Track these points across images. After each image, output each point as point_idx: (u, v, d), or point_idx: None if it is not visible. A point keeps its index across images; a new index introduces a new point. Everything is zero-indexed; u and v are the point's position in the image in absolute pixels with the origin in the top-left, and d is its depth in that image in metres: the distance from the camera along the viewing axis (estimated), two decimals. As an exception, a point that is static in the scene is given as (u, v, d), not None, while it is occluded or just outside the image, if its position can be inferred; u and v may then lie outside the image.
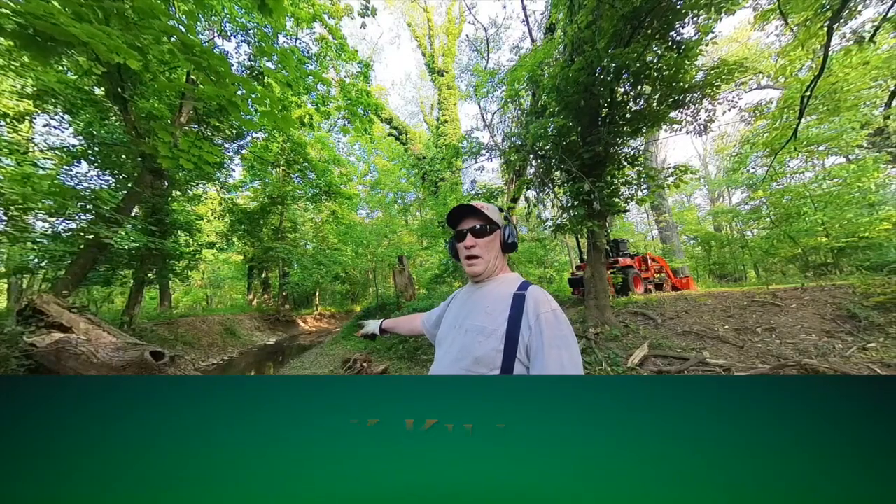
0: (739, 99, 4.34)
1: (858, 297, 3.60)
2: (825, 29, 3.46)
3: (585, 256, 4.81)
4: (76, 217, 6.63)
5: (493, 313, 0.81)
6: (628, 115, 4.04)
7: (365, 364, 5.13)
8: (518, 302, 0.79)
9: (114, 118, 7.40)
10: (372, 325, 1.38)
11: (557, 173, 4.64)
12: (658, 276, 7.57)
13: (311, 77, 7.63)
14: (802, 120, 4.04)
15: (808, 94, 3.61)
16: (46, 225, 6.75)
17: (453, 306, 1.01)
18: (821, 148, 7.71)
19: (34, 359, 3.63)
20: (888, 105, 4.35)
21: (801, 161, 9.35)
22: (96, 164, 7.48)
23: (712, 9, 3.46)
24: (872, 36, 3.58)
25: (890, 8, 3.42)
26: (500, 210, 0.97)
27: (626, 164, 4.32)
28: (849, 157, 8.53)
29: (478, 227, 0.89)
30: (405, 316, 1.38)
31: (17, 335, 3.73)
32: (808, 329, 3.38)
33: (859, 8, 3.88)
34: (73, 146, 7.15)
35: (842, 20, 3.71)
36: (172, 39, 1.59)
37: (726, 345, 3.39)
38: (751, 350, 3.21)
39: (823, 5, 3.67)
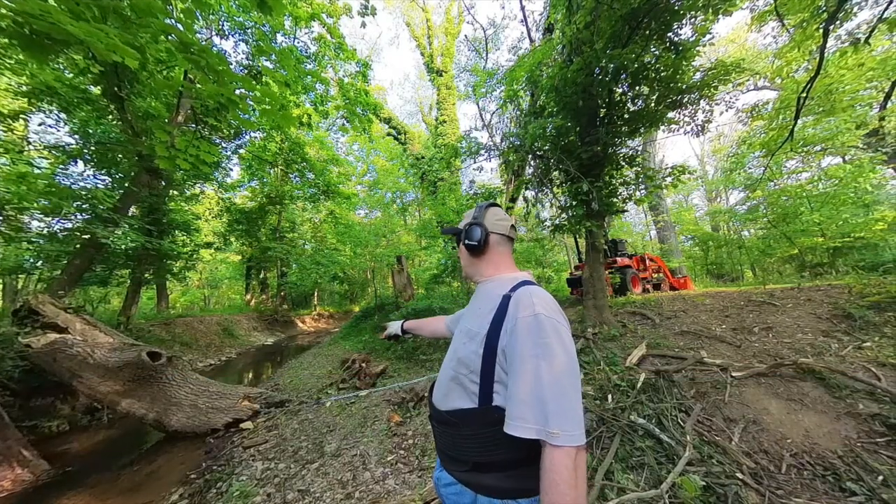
0: (736, 100, 4.36)
1: (854, 296, 3.63)
2: (821, 30, 3.48)
3: (584, 256, 4.82)
4: (72, 217, 6.58)
5: (481, 315, 0.79)
6: (626, 116, 4.05)
7: (364, 364, 5.12)
8: (504, 303, 0.75)
9: (110, 117, 7.35)
10: (394, 326, 1.41)
11: (556, 173, 4.65)
12: (656, 275, 7.60)
13: (309, 76, 7.62)
14: (799, 121, 4.06)
15: (804, 94, 3.63)
16: (42, 224, 6.70)
17: (466, 308, 1.04)
18: (817, 148, 7.76)
19: (30, 360, 3.60)
20: (883, 106, 4.39)
21: (797, 162, 9.42)
22: (92, 164, 7.43)
23: (710, 10, 3.48)
24: (868, 38, 3.61)
25: (885, 10, 3.45)
26: (481, 207, 0.93)
27: (624, 164, 4.33)
28: (844, 157, 8.60)
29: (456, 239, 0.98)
30: (428, 318, 1.37)
31: (12, 336, 3.71)
32: (804, 328, 3.40)
33: (855, 10, 3.91)
34: (69, 145, 7.10)
35: (837, 22, 3.73)
36: (171, 38, 1.59)
37: (723, 344, 3.41)
38: (748, 349, 3.23)
39: (819, 7, 3.70)
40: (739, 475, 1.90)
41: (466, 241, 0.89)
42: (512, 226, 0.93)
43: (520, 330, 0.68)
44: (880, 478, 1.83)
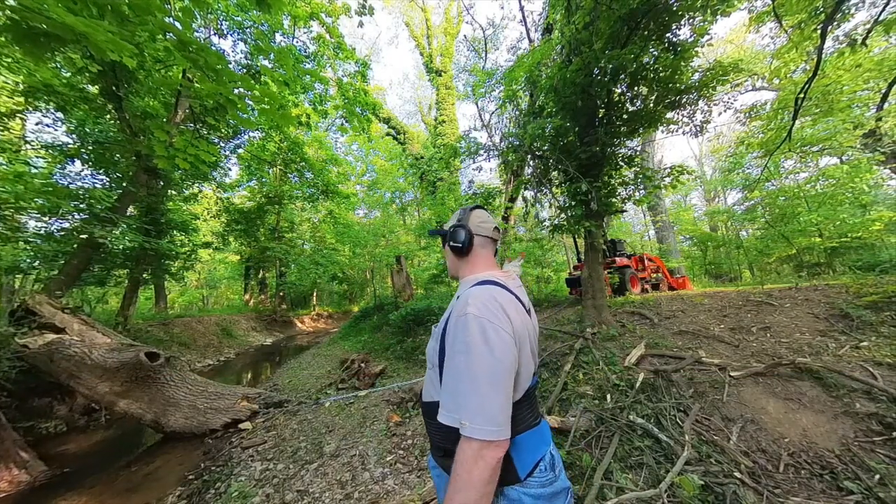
0: (735, 100, 4.37)
1: (851, 296, 3.64)
2: (819, 31, 3.50)
3: (583, 256, 4.83)
4: (70, 216, 6.55)
5: (445, 315, 0.87)
6: (625, 116, 4.05)
7: (363, 364, 5.11)
8: (454, 304, 0.82)
9: (108, 116, 7.32)
10: None
11: (555, 173, 4.65)
12: (655, 275, 7.61)
13: (308, 76, 7.61)
14: (797, 121, 4.08)
15: (802, 95, 3.64)
16: (40, 224, 6.66)
17: None
18: (815, 149, 7.79)
19: (27, 361, 3.58)
20: (880, 107, 4.41)
21: (795, 162, 9.45)
22: (90, 163, 7.39)
23: (708, 10, 3.49)
24: (864, 39, 3.63)
25: (881, 11, 3.47)
26: (465, 210, 0.97)
27: (623, 164, 4.33)
28: (842, 158, 8.64)
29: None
30: None
31: (8, 336, 3.68)
32: (801, 328, 3.41)
33: (852, 11, 3.93)
34: (67, 144, 7.06)
35: (835, 23, 3.75)
36: (169, 36, 1.58)
37: (722, 344, 3.42)
38: (746, 349, 3.24)
39: (817, 8, 3.71)
40: (737, 474, 1.91)
41: (451, 243, 0.94)
42: (496, 228, 0.97)
43: (451, 328, 0.75)
44: (877, 476, 1.84)
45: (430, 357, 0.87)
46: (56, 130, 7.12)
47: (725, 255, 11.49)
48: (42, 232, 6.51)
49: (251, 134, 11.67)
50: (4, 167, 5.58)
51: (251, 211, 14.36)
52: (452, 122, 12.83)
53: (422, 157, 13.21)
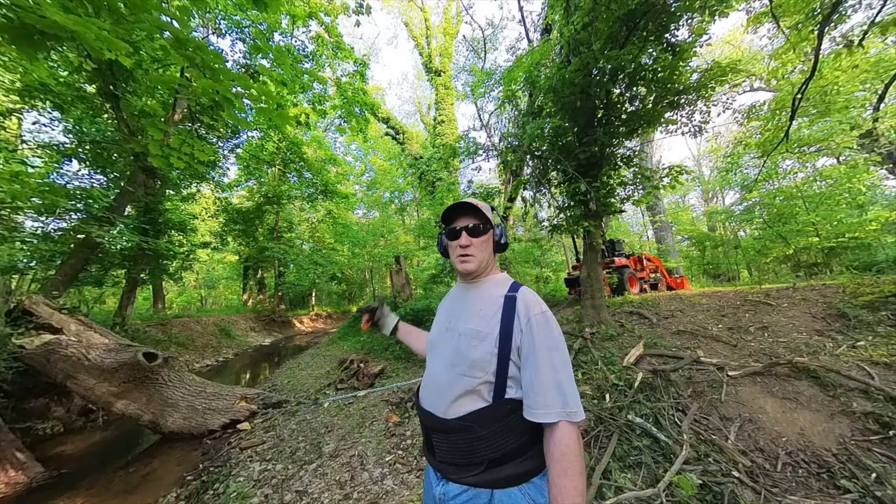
0: (733, 101, 4.39)
1: (848, 296, 3.66)
2: (816, 32, 3.52)
3: (581, 256, 4.84)
4: (67, 216, 6.51)
5: (485, 316, 0.81)
6: (624, 116, 4.06)
7: (362, 364, 5.10)
8: (510, 304, 0.79)
9: (105, 116, 7.28)
10: (390, 320, 1.27)
11: (554, 174, 4.65)
12: (653, 275, 7.63)
13: (306, 75, 7.59)
14: (794, 122, 4.09)
15: (799, 96, 3.67)
16: (37, 224, 6.62)
17: (443, 309, 1.01)
18: (812, 149, 7.83)
19: (24, 361, 3.56)
20: (877, 108, 4.44)
21: (793, 162, 9.50)
22: (87, 163, 7.35)
23: (706, 11, 3.50)
24: (861, 40, 3.65)
25: (878, 13, 3.49)
26: (493, 209, 0.95)
27: (621, 164, 4.34)
28: (839, 158, 8.68)
29: (472, 225, 0.88)
30: (419, 330, 1.26)
31: (5, 337, 3.66)
32: (799, 328, 3.42)
33: (849, 13, 3.95)
34: (64, 144, 7.02)
35: (832, 24, 3.77)
36: (165, 35, 1.57)
37: (720, 343, 3.43)
38: (744, 349, 3.25)
39: (814, 9, 3.73)
40: (735, 473, 1.91)
41: (503, 241, 0.94)
42: None
43: (535, 326, 0.75)
44: (873, 475, 1.85)
45: (483, 364, 0.77)
46: (53, 130, 7.08)
47: (723, 254, 11.52)
48: (39, 232, 6.47)
49: (250, 134, 11.64)
50: (1, 166, 5.54)
51: (250, 211, 14.31)
52: (451, 121, 12.82)
53: (421, 157, 13.18)
